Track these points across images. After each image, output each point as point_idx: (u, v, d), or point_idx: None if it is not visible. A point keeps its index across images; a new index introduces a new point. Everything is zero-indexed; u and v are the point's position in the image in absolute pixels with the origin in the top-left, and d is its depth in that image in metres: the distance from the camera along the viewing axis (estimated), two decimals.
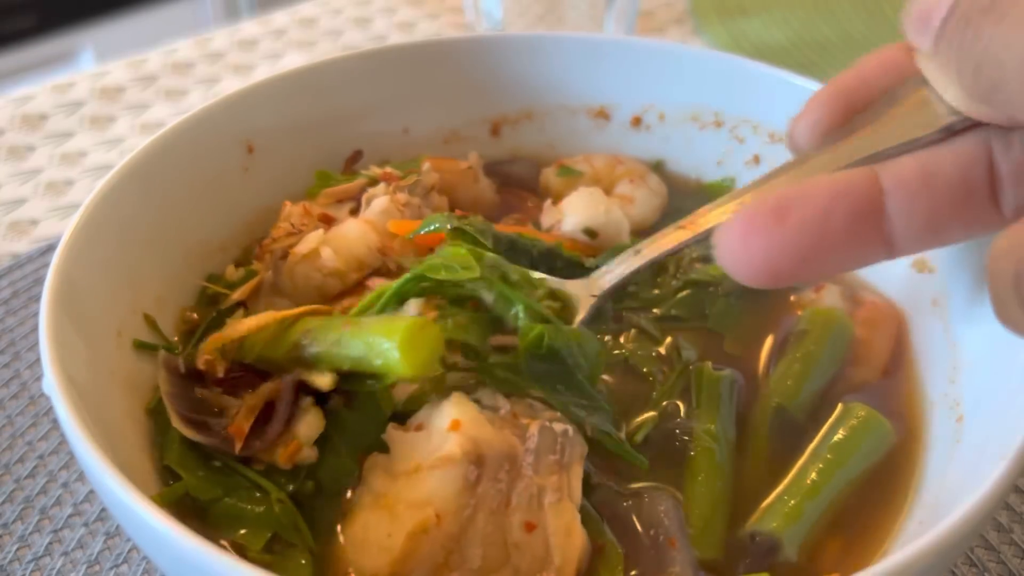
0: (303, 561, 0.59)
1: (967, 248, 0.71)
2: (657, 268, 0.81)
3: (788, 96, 0.86)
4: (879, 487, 0.66)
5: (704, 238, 0.65)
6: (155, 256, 0.74)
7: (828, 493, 0.65)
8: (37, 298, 0.91)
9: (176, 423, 0.63)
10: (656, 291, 0.79)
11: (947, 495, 0.60)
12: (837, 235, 0.50)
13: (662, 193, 0.91)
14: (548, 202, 0.83)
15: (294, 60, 1.36)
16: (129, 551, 0.72)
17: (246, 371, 0.66)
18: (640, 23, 1.42)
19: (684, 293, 0.79)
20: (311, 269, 0.72)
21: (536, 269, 0.70)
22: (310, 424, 0.62)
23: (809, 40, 1.37)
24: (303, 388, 0.63)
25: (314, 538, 0.60)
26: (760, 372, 0.74)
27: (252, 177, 0.84)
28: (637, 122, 0.95)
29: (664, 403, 0.70)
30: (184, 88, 1.29)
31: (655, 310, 0.78)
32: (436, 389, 0.63)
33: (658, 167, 0.94)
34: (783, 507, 0.64)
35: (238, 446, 0.61)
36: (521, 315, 0.63)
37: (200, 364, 0.66)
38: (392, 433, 0.61)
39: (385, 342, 0.58)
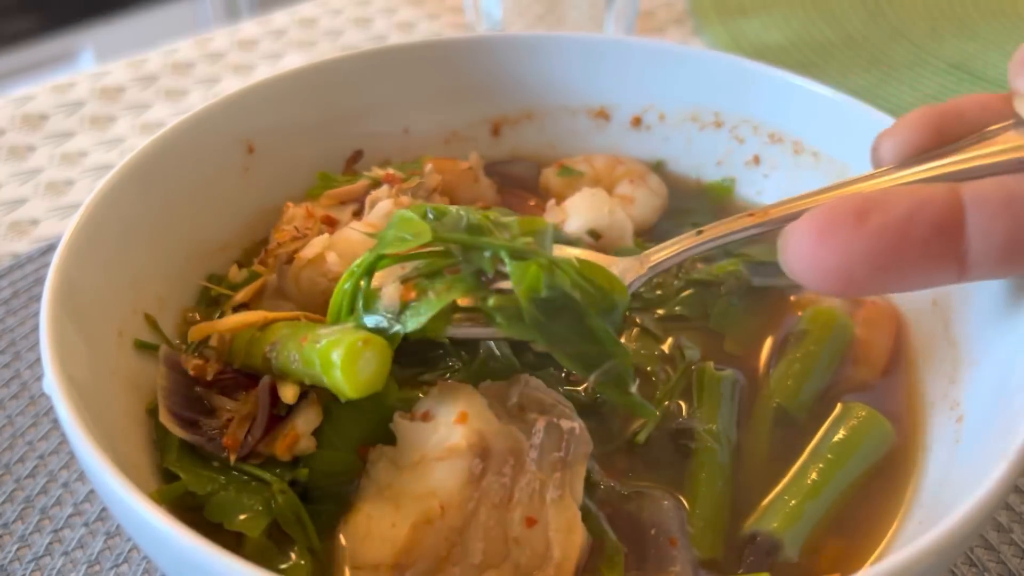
0: (302, 561, 0.59)
1: None
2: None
3: (788, 96, 0.87)
4: (879, 487, 0.66)
5: (770, 228, 0.64)
6: (155, 256, 0.74)
7: (828, 493, 0.65)
8: (37, 298, 0.91)
9: (164, 418, 0.63)
10: (658, 291, 0.79)
11: (947, 495, 0.60)
12: (916, 245, 0.48)
13: (662, 193, 0.91)
14: (551, 202, 0.83)
15: (294, 60, 1.36)
16: (129, 551, 0.72)
17: (237, 373, 0.67)
18: (640, 23, 1.42)
19: (686, 293, 0.79)
20: (316, 274, 0.72)
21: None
22: (308, 417, 0.62)
23: (809, 40, 1.37)
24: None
25: (316, 530, 0.60)
26: (760, 372, 0.74)
27: (252, 177, 0.84)
28: (637, 122, 0.95)
29: (666, 403, 0.70)
30: (184, 88, 1.29)
31: (658, 310, 0.78)
32: (437, 329, 0.60)
33: (658, 167, 0.95)
34: (784, 507, 0.64)
35: (233, 457, 0.62)
36: (505, 259, 0.58)
37: (190, 369, 0.66)
38: (399, 423, 0.61)
39: (332, 361, 0.57)
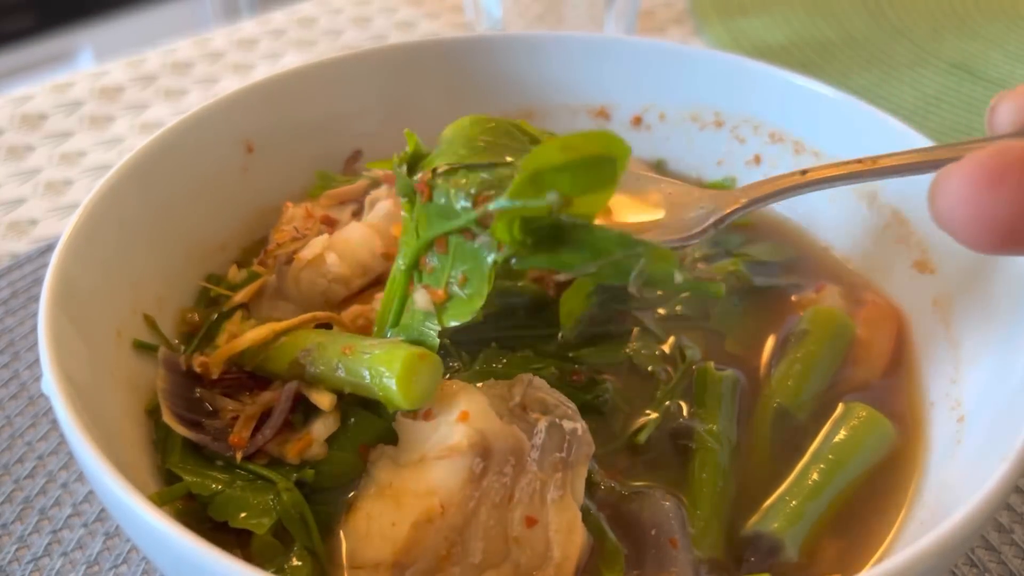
0: (300, 563, 0.59)
1: (968, 249, 0.71)
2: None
3: (789, 96, 0.86)
4: (880, 487, 0.66)
5: (880, 177, 0.61)
6: (155, 256, 0.74)
7: (829, 493, 0.65)
8: (36, 298, 0.91)
9: (168, 418, 0.63)
10: (659, 291, 0.79)
11: (948, 495, 0.60)
12: None
13: None
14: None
15: (294, 60, 1.36)
16: (128, 551, 0.72)
17: (242, 374, 0.66)
18: (640, 23, 1.42)
19: (687, 293, 0.79)
20: (316, 275, 0.72)
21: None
22: (326, 424, 0.63)
23: (809, 40, 1.37)
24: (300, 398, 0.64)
25: (318, 530, 0.60)
26: (761, 372, 0.74)
27: (251, 177, 0.84)
28: (637, 122, 0.95)
29: (667, 403, 0.70)
30: (184, 88, 1.29)
31: (659, 310, 0.77)
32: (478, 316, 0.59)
33: (659, 167, 0.94)
34: (785, 507, 0.64)
35: (239, 455, 0.62)
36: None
37: (196, 367, 0.66)
38: (401, 421, 0.61)
39: (384, 373, 0.59)
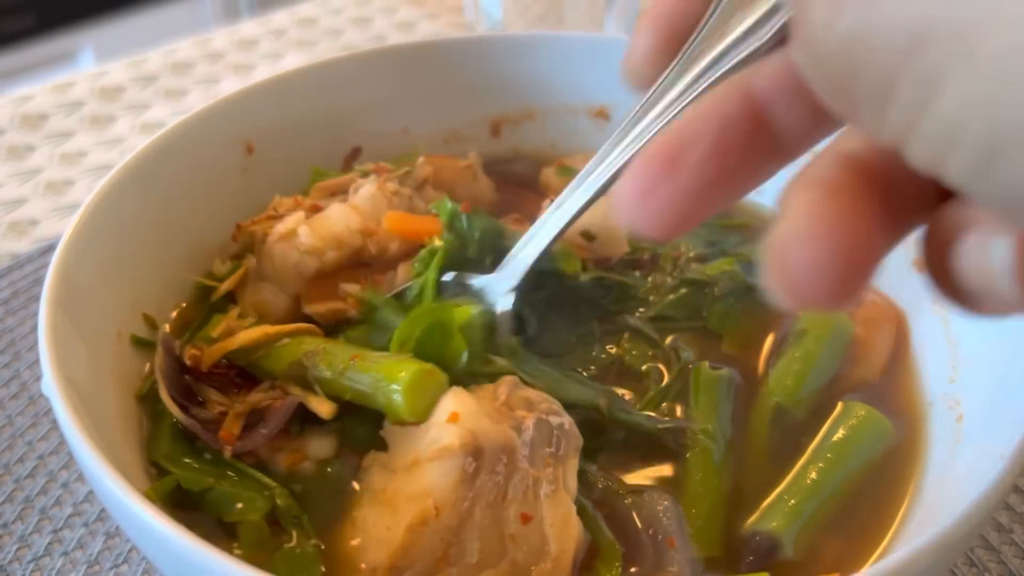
0: (305, 552, 0.59)
1: None
2: (653, 268, 0.81)
3: None
4: (878, 486, 0.66)
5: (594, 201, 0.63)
6: (155, 256, 0.74)
7: (828, 492, 0.65)
8: (37, 298, 0.91)
9: (165, 398, 0.64)
10: (652, 291, 0.79)
11: (947, 495, 0.60)
12: (736, 161, 0.44)
13: None
14: (546, 202, 0.83)
15: (294, 60, 1.36)
16: (129, 551, 0.72)
17: (231, 370, 0.67)
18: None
19: (680, 293, 0.78)
20: (288, 247, 0.72)
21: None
22: (322, 444, 0.64)
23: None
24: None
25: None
26: (759, 372, 0.74)
27: (252, 177, 0.84)
28: None
29: (662, 403, 0.70)
30: (184, 88, 1.29)
31: (651, 311, 0.77)
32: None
33: None
34: (783, 506, 0.64)
35: (228, 451, 0.62)
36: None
37: (186, 359, 0.67)
38: (389, 428, 0.61)
39: (391, 384, 0.60)
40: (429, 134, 0.94)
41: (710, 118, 0.45)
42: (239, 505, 0.60)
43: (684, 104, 0.54)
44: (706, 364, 0.71)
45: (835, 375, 0.73)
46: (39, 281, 0.94)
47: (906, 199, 0.40)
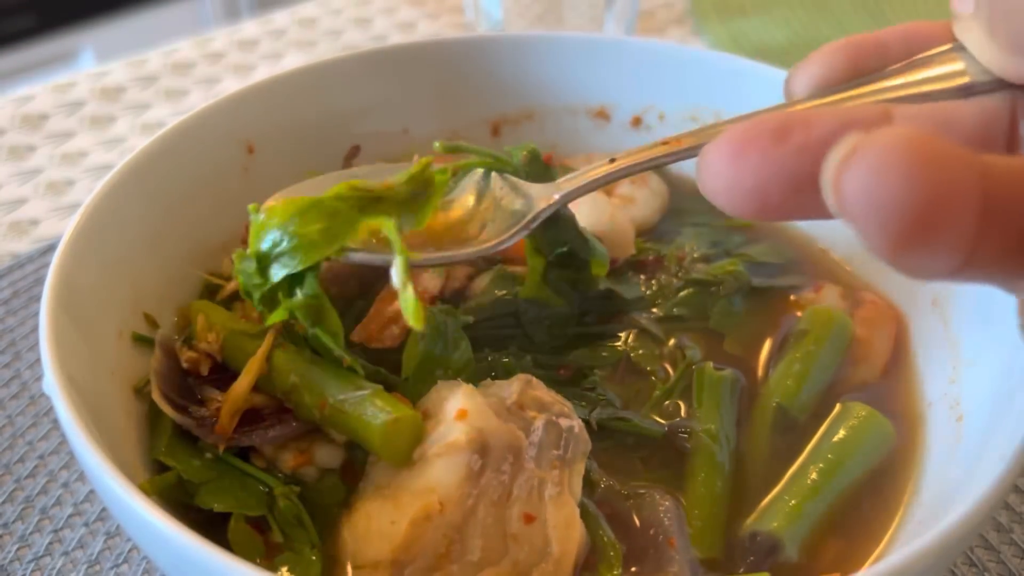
0: (313, 558, 0.59)
1: None
2: (658, 268, 0.81)
3: None
4: (879, 487, 0.66)
5: (685, 157, 0.61)
6: (156, 256, 0.74)
7: (829, 493, 0.65)
8: (37, 298, 0.91)
9: (157, 397, 0.64)
10: (657, 290, 0.79)
11: (947, 495, 0.60)
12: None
13: (663, 193, 0.91)
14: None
15: (294, 60, 1.36)
16: (129, 551, 0.72)
17: (229, 375, 0.67)
18: (640, 23, 1.42)
19: (685, 292, 0.79)
20: None
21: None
22: (331, 454, 0.64)
23: (809, 40, 1.37)
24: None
25: (316, 530, 0.61)
26: (760, 372, 0.74)
27: (252, 177, 0.84)
28: (637, 122, 0.95)
29: (665, 403, 0.70)
30: (184, 88, 1.29)
31: (656, 310, 0.78)
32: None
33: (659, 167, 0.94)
34: (784, 507, 0.64)
35: (222, 446, 0.62)
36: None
37: (184, 362, 0.67)
38: (374, 462, 0.62)
39: (364, 438, 0.60)
40: (429, 134, 0.94)
41: (839, 115, 0.45)
42: (233, 501, 0.60)
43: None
44: (710, 365, 0.71)
45: (836, 375, 0.73)
46: (40, 281, 0.94)
47: None
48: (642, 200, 0.88)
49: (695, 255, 0.82)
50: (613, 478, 0.65)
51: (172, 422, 0.64)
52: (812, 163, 0.43)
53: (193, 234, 0.79)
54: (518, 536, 0.57)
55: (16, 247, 1.01)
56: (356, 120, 0.90)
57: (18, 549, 0.72)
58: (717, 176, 0.45)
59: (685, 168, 0.94)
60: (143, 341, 0.70)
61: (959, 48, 0.53)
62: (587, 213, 0.81)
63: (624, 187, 0.89)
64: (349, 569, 0.58)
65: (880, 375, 0.74)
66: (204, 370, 0.67)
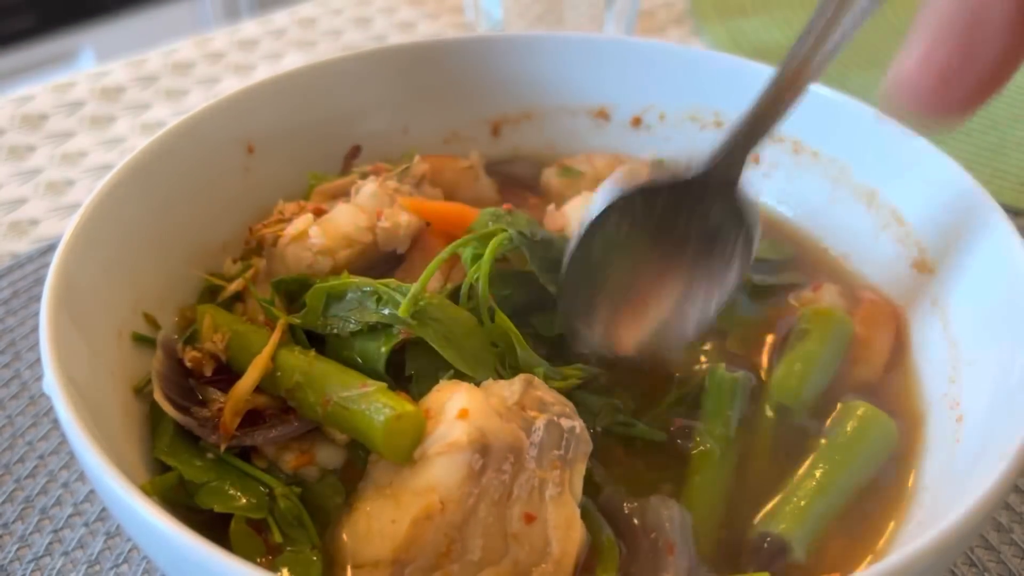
0: (314, 558, 0.59)
1: (967, 249, 0.71)
2: None
3: None
4: (878, 486, 0.66)
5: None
6: (156, 256, 0.74)
7: (835, 493, 0.65)
8: (37, 298, 0.91)
9: (159, 398, 0.64)
10: None
11: (947, 495, 0.60)
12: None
13: None
14: (551, 207, 0.83)
15: (294, 60, 1.36)
16: (129, 551, 0.72)
17: (233, 376, 0.67)
18: (640, 23, 1.42)
19: None
20: (301, 249, 0.72)
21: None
22: (333, 455, 0.64)
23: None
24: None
25: (316, 530, 0.61)
26: (762, 371, 0.74)
27: (252, 177, 0.84)
28: (637, 122, 0.95)
29: (674, 401, 0.70)
30: (184, 88, 1.29)
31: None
32: None
33: (659, 167, 0.94)
34: (792, 508, 0.64)
35: (223, 445, 0.62)
36: None
37: (188, 361, 0.67)
38: (375, 460, 0.62)
39: (368, 435, 0.59)
40: (429, 134, 0.94)
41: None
42: (233, 502, 0.60)
43: None
44: (722, 366, 0.71)
45: (836, 374, 0.73)
46: (40, 281, 0.94)
47: None
48: None
49: None
50: (621, 481, 0.65)
51: (173, 422, 0.64)
52: (1011, 48, 0.48)
53: (193, 234, 0.79)
54: (519, 536, 0.57)
55: (16, 247, 1.01)
56: (356, 120, 0.90)
57: (18, 549, 0.72)
58: (935, 109, 0.49)
59: None
60: (143, 341, 0.70)
61: None
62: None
63: None
64: (349, 569, 0.58)
65: (881, 372, 0.74)
66: (208, 371, 0.67)
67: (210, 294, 0.77)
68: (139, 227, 0.72)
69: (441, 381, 0.63)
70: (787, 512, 0.63)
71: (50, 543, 0.72)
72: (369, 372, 0.63)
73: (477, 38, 0.95)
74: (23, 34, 2.66)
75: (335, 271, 0.72)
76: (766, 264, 0.82)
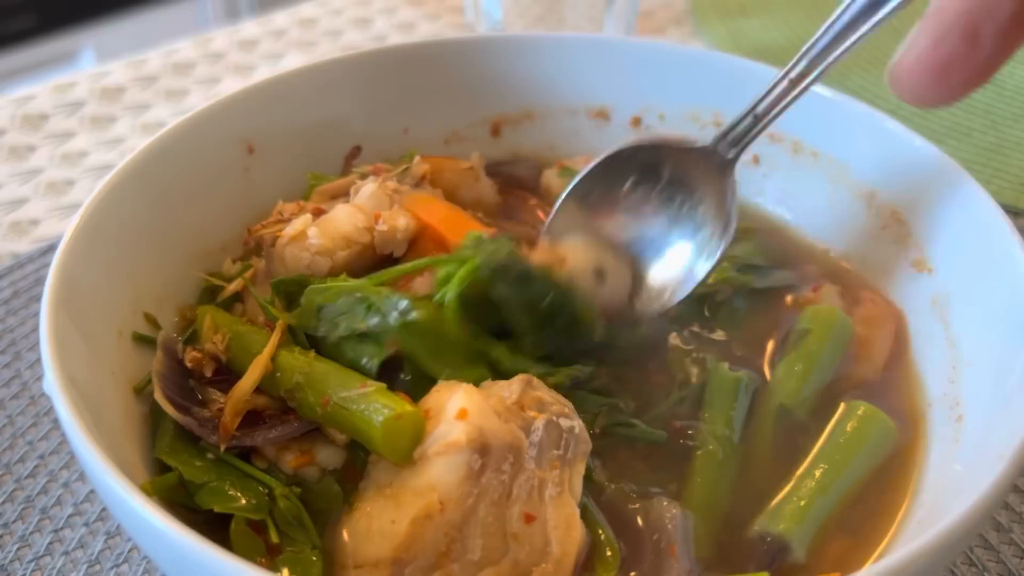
0: (314, 558, 0.59)
1: (967, 249, 0.71)
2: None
3: None
4: (878, 486, 0.66)
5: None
6: (156, 256, 0.74)
7: (835, 493, 0.65)
8: (38, 298, 0.91)
9: (159, 398, 0.64)
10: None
11: (946, 495, 0.60)
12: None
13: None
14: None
15: (294, 60, 1.36)
16: (129, 551, 0.72)
17: (234, 376, 0.67)
18: (640, 23, 1.42)
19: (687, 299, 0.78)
20: (299, 249, 0.72)
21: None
22: (332, 455, 0.64)
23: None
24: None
25: (316, 530, 0.61)
26: (763, 372, 0.74)
27: (252, 177, 0.84)
28: (637, 122, 0.95)
29: (676, 401, 0.70)
30: (184, 88, 1.29)
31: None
32: None
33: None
34: (792, 508, 0.64)
35: (223, 445, 0.62)
36: None
37: (188, 361, 0.67)
38: (375, 460, 0.62)
39: (367, 435, 0.59)
40: (429, 135, 0.94)
41: None
42: (232, 503, 0.61)
43: None
44: (725, 365, 0.71)
45: (836, 374, 0.73)
46: (40, 281, 0.94)
47: None
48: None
49: None
50: (621, 479, 0.65)
51: (174, 423, 0.64)
52: (1007, 41, 0.52)
53: (193, 234, 0.79)
54: (518, 536, 0.57)
55: (16, 247, 1.01)
56: (356, 120, 0.90)
57: (18, 549, 0.72)
58: (922, 98, 0.53)
59: None
60: (143, 341, 0.70)
61: None
62: (582, 255, 0.79)
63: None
64: (350, 568, 0.58)
65: (881, 372, 0.74)
66: (208, 371, 0.67)
67: (210, 294, 0.77)
68: (139, 227, 0.72)
69: (440, 381, 0.63)
70: (787, 512, 0.63)
71: (50, 543, 0.73)
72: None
73: (477, 38, 0.95)
74: (24, 34, 2.66)
75: (333, 272, 0.72)
76: (766, 264, 0.82)
